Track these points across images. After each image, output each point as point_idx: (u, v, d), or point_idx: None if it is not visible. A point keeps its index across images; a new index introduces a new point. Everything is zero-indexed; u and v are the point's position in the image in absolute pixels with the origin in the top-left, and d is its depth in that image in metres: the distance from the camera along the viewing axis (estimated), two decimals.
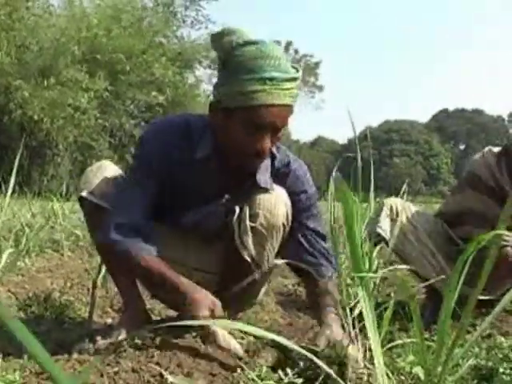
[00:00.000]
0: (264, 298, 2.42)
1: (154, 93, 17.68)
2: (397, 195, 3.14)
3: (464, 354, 1.46)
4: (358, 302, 1.80)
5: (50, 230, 4.44)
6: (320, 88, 44.41)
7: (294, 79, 1.54)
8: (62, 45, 15.63)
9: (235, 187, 1.73)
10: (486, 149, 2.36)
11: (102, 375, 1.31)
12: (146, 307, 1.93)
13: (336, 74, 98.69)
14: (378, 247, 2.41)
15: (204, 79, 23.34)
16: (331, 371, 1.01)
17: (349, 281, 2.44)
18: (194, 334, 1.58)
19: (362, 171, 2.06)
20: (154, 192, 1.69)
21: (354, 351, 1.41)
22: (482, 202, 2.30)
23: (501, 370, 1.33)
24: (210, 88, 19.92)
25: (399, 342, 1.56)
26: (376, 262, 2.25)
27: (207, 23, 20.11)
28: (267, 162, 1.71)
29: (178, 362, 1.38)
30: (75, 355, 1.51)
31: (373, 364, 1.09)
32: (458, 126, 62.63)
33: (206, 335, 1.52)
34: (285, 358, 1.45)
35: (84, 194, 1.77)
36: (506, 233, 1.02)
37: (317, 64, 43.66)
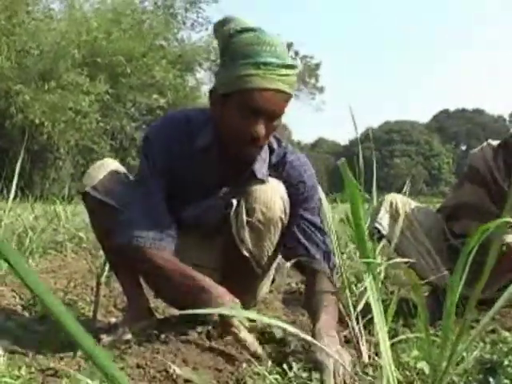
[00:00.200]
0: (267, 296, 2.42)
1: (154, 95, 17.70)
2: None
3: (468, 348, 1.46)
4: (361, 299, 1.81)
5: (53, 232, 4.45)
6: (320, 89, 44.39)
7: (290, 66, 1.55)
8: (63, 48, 15.64)
9: (234, 178, 1.73)
10: (485, 143, 2.37)
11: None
12: (150, 306, 1.94)
13: (336, 74, 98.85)
14: (380, 244, 2.41)
15: (205, 81, 23.34)
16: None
17: (352, 279, 2.45)
18: (199, 330, 1.59)
19: (363, 172, 2.08)
20: (164, 188, 1.71)
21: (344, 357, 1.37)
22: (478, 195, 2.30)
23: (506, 362, 1.33)
24: None
25: (403, 336, 1.56)
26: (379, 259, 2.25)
27: (207, 25, 20.14)
28: (265, 155, 1.72)
29: (183, 358, 1.38)
30: (79, 353, 1.51)
31: (378, 353, 1.08)
32: (459, 127, 62.58)
33: (227, 329, 1.49)
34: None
35: (87, 189, 1.78)
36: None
37: (317, 65, 43.63)
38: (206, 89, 22.88)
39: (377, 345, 1.40)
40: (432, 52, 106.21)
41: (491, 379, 1.32)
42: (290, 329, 0.94)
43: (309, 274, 1.78)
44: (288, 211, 1.74)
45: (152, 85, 17.91)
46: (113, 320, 2.13)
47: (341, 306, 1.64)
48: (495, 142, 2.35)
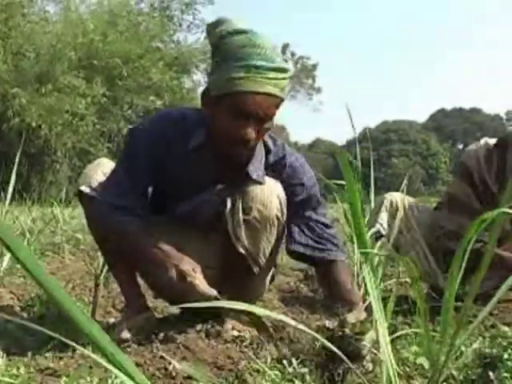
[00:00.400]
0: (266, 295, 2.42)
1: (151, 98, 17.68)
2: None
3: (467, 342, 1.46)
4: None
5: (51, 234, 4.44)
6: (318, 90, 44.45)
7: (282, 70, 1.55)
8: (59, 51, 15.62)
9: (229, 178, 1.74)
10: (482, 140, 2.37)
11: (106, 370, 1.31)
12: (148, 305, 1.94)
13: (334, 74, 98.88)
14: (379, 242, 2.41)
15: (201, 83, 23.34)
16: (334, 348, 1.00)
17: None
18: (198, 328, 1.59)
19: (361, 172, 2.08)
20: (144, 179, 1.74)
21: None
22: (465, 192, 2.31)
23: (505, 356, 1.33)
24: None
25: (403, 332, 1.56)
26: (377, 258, 2.25)
27: (203, 27, 20.12)
28: (261, 156, 1.72)
29: (183, 356, 1.38)
30: (78, 352, 1.51)
31: (378, 343, 1.08)
32: (456, 125, 62.68)
33: (183, 279, 1.57)
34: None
35: (83, 188, 1.79)
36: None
37: (314, 66, 43.69)
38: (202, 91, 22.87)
39: (376, 342, 1.40)
40: (431, 52, 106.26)
41: (491, 373, 1.32)
42: (286, 319, 0.93)
43: (326, 266, 1.82)
44: (285, 211, 1.75)
45: (149, 87, 17.89)
46: (111, 320, 2.13)
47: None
48: (492, 141, 2.34)
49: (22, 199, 6.06)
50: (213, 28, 1.62)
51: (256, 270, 1.81)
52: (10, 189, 3.02)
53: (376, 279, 1.01)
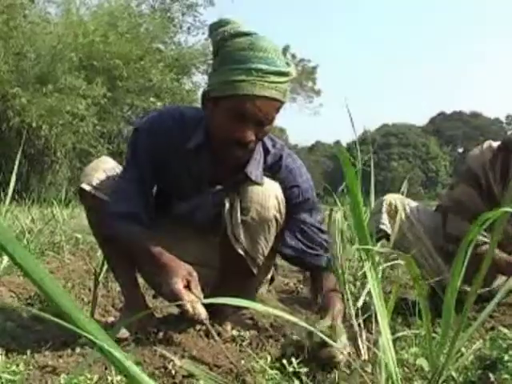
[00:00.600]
0: (265, 296, 2.42)
1: (151, 99, 17.67)
2: None
3: (467, 344, 1.46)
4: (360, 295, 1.81)
5: (50, 234, 4.43)
6: (318, 93, 44.41)
7: (283, 74, 1.54)
8: (60, 52, 15.63)
9: (227, 179, 1.74)
10: (486, 143, 2.36)
11: (105, 368, 1.31)
12: (148, 304, 1.93)
13: (334, 77, 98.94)
14: (379, 243, 2.41)
15: (202, 85, 23.35)
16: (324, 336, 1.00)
17: (351, 279, 2.45)
18: (198, 328, 1.58)
19: (361, 175, 2.07)
20: (149, 180, 1.74)
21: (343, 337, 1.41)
22: (472, 197, 2.30)
23: (506, 358, 1.33)
24: None
25: (403, 333, 1.56)
26: (377, 258, 2.25)
27: (204, 29, 20.15)
28: (259, 157, 1.72)
29: (182, 355, 1.38)
30: (78, 350, 1.50)
31: (377, 342, 1.08)
32: (456, 129, 62.74)
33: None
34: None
35: (84, 185, 1.78)
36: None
37: (314, 68, 43.67)
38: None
39: (375, 343, 1.40)
40: (431, 53, 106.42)
41: (491, 375, 1.32)
42: (288, 316, 0.93)
43: (315, 272, 1.82)
44: (284, 211, 1.74)
45: (149, 88, 17.90)
46: (111, 320, 2.12)
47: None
48: (496, 144, 2.34)
49: (21, 199, 6.05)
50: (215, 29, 1.60)
51: (255, 270, 1.80)
52: (10, 189, 3.02)
53: (377, 277, 1.01)
